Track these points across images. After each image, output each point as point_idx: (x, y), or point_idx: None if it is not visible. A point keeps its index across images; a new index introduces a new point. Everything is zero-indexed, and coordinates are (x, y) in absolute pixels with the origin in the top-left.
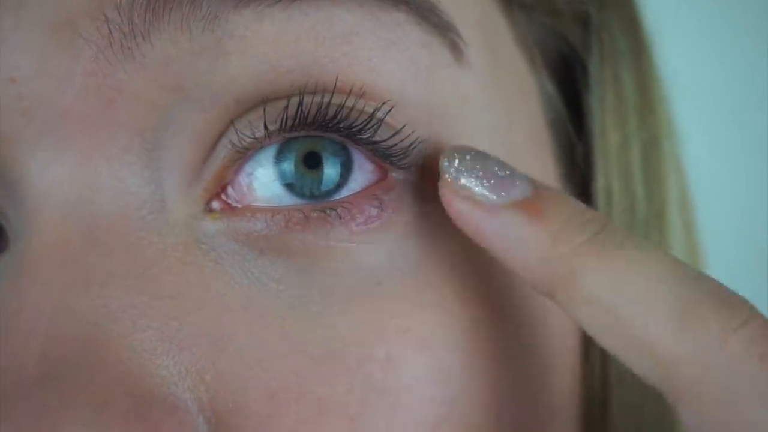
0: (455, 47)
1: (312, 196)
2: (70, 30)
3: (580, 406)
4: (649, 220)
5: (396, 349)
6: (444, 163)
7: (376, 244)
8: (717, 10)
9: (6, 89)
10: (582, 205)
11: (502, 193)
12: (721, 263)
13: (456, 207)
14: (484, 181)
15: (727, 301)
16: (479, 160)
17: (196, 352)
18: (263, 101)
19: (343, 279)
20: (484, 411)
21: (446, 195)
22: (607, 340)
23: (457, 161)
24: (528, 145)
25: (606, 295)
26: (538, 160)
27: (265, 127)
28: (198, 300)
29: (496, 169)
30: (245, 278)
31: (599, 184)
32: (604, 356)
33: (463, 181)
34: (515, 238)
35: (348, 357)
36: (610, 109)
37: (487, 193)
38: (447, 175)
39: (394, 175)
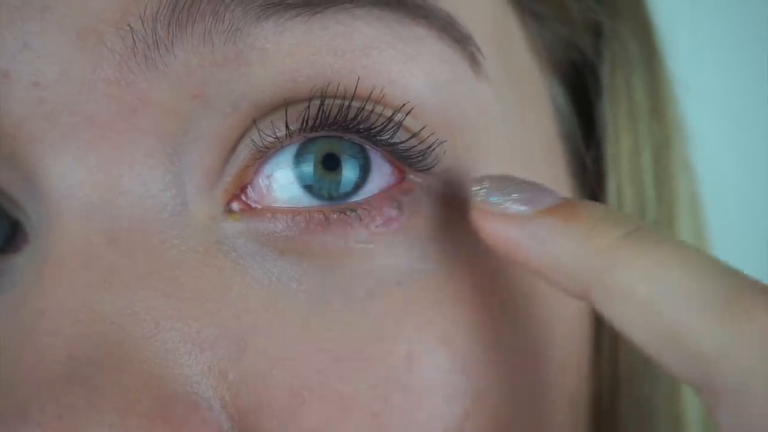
0: (474, 60)
1: (330, 198)
2: (93, 38)
3: (590, 399)
4: (659, 223)
5: (417, 345)
6: (474, 187)
7: (395, 245)
8: (728, 15)
9: (29, 93)
10: (614, 209)
11: (533, 203)
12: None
13: (489, 226)
14: (515, 195)
15: None
16: (507, 180)
17: (218, 352)
18: (285, 103)
19: (363, 279)
20: (506, 405)
21: (478, 217)
22: (642, 337)
23: (486, 182)
24: (542, 153)
25: (643, 288)
26: (551, 169)
27: (287, 126)
28: (219, 301)
29: (524, 185)
30: (266, 278)
31: (610, 188)
32: (615, 354)
33: (493, 198)
34: (549, 240)
35: (370, 354)
36: (621, 113)
37: (518, 206)
38: (478, 197)
39: (413, 177)
